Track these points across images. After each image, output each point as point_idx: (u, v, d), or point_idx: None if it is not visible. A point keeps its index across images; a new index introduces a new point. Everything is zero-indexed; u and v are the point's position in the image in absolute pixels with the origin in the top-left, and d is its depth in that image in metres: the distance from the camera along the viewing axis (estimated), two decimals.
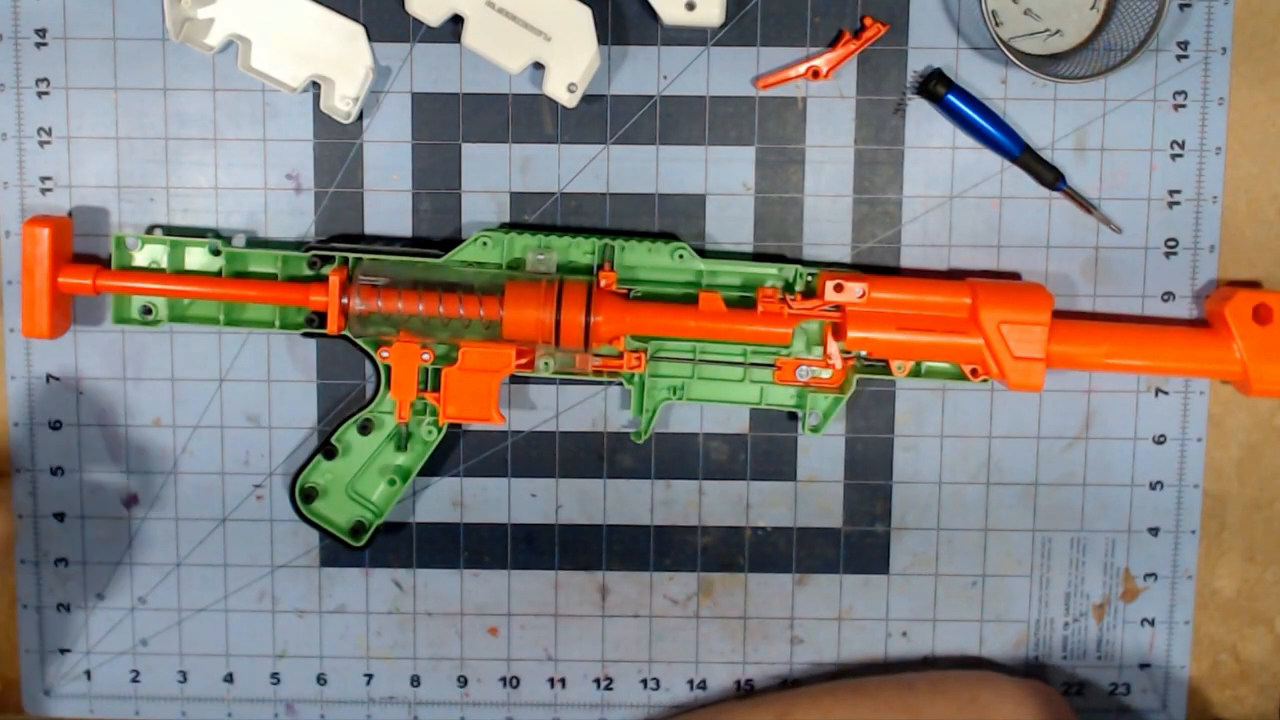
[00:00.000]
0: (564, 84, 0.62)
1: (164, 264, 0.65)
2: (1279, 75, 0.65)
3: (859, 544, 0.68)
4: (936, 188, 0.66)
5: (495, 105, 0.65)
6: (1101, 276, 0.66)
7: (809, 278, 0.64)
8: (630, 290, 0.64)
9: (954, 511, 0.68)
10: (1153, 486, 0.67)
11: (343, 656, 0.69)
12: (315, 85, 0.65)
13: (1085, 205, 0.65)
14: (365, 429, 0.65)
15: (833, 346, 0.64)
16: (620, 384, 0.66)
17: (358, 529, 0.65)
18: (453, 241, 0.65)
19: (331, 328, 0.62)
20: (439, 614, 0.68)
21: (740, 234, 0.66)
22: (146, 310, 0.65)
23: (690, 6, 0.62)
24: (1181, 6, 0.64)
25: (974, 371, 0.64)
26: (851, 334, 0.62)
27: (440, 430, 0.65)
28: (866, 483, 0.67)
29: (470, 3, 0.62)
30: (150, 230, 0.66)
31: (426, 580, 0.68)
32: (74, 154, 0.66)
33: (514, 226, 0.66)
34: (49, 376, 0.67)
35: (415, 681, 0.69)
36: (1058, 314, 0.64)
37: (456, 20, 0.62)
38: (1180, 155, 0.65)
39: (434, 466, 0.67)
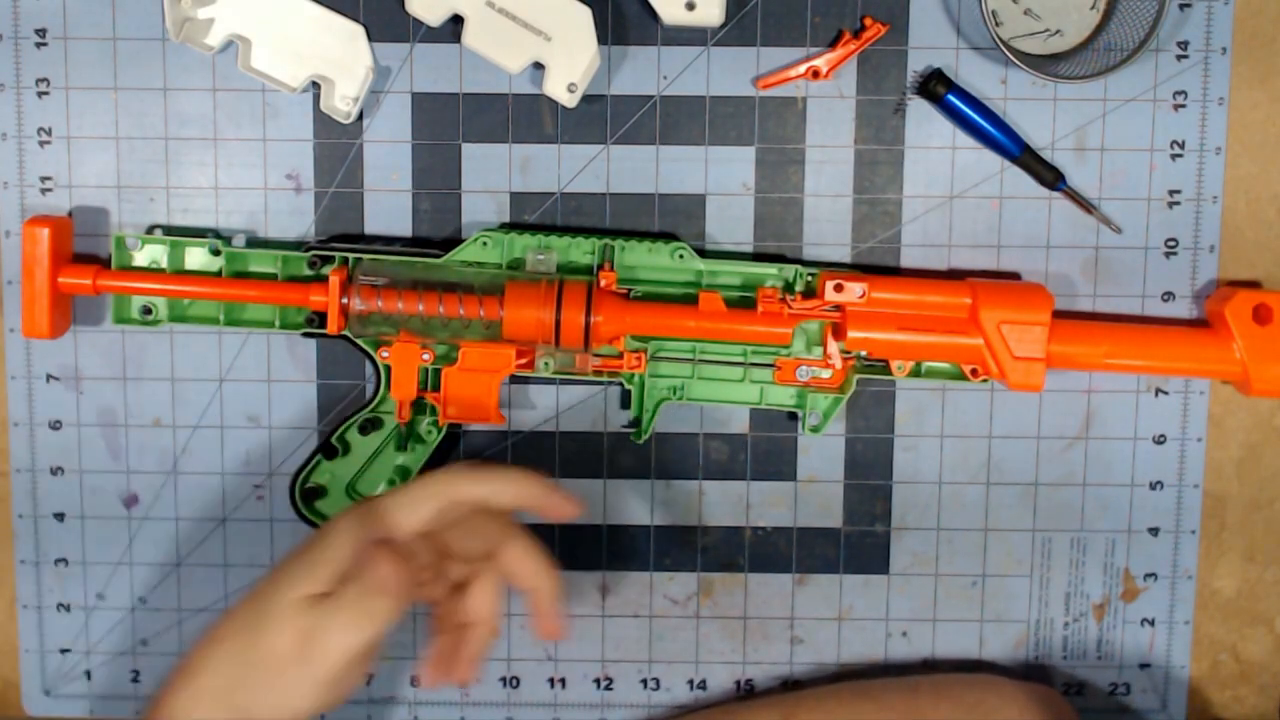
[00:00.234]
0: (564, 84, 0.62)
1: (164, 264, 0.65)
2: (1279, 75, 0.65)
3: (859, 544, 0.68)
4: (936, 188, 0.66)
5: (495, 105, 0.65)
6: (1101, 276, 0.66)
7: (809, 278, 0.64)
8: (630, 290, 0.64)
9: (954, 511, 0.68)
10: (1153, 486, 0.67)
11: None
12: (315, 85, 0.65)
13: (1085, 205, 0.65)
14: (365, 429, 0.65)
15: (833, 346, 0.64)
16: (620, 384, 0.66)
17: None
18: (453, 241, 0.65)
19: (331, 328, 0.62)
20: None
21: (740, 234, 0.66)
22: (146, 310, 0.65)
23: (690, 6, 0.62)
24: (1181, 6, 0.64)
25: (974, 371, 0.64)
26: (851, 334, 0.62)
27: (440, 430, 0.65)
28: (866, 483, 0.67)
29: (470, 3, 0.62)
30: (150, 230, 0.66)
31: None
32: (74, 154, 0.66)
33: (514, 226, 0.66)
34: (49, 376, 0.67)
35: (415, 681, 0.69)
36: (1058, 314, 0.64)
37: (456, 20, 0.62)
38: (1180, 155, 0.65)
39: (434, 466, 0.67)
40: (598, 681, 0.69)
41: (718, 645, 0.69)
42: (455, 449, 0.67)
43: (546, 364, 0.63)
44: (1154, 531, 0.68)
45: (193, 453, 0.67)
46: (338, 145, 0.66)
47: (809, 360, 0.65)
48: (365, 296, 0.62)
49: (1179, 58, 0.65)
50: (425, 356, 0.64)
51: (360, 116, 0.65)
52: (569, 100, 0.63)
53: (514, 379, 0.66)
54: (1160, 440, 0.67)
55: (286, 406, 0.67)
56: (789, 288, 0.64)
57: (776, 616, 0.68)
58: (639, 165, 0.65)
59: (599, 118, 0.65)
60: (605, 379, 0.65)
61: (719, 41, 0.65)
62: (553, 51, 0.62)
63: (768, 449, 0.67)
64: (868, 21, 0.64)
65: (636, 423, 0.65)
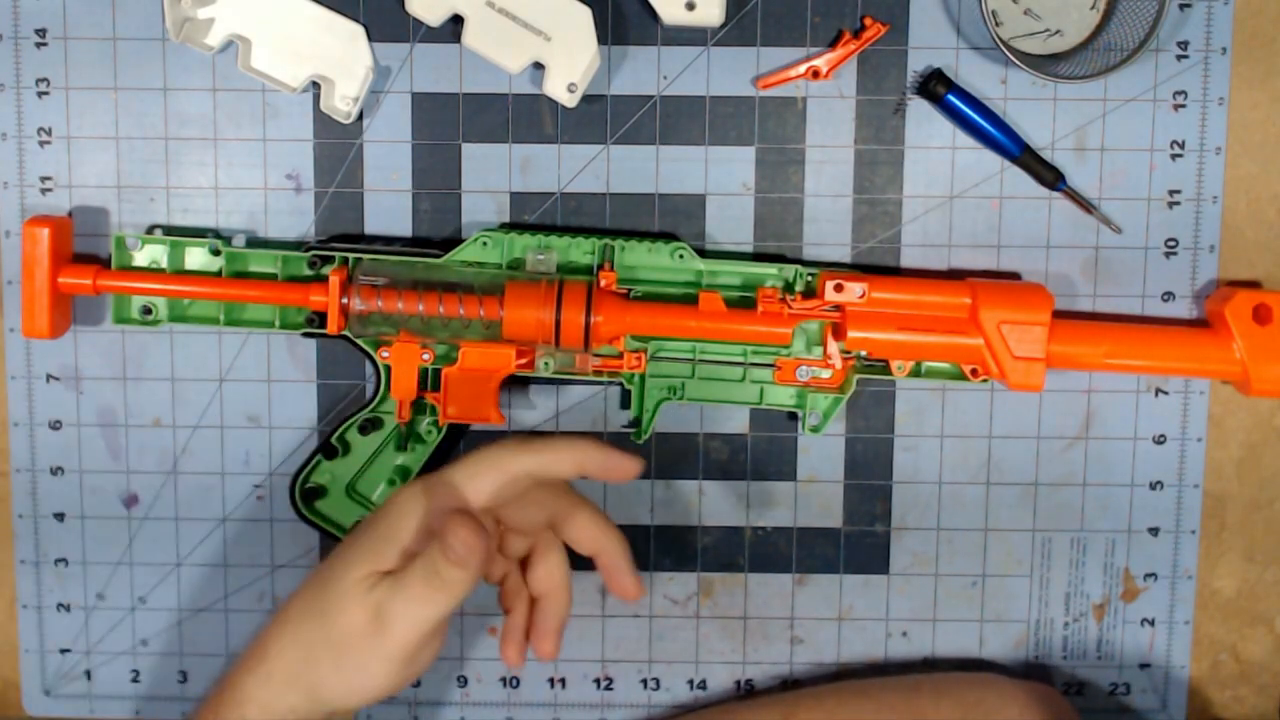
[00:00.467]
0: (564, 84, 0.62)
1: (164, 264, 0.65)
2: (1279, 75, 0.65)
3: (859, 544, 0.68)
4: (936, 188, 0.66)
5: (495, 105, 0.65)
6: (1101, 276, 0.66)
7: (809, 278, 0.64)
8: (630, 290, 0.64)
9: (954, 511, 0.68)
10: (1153, 486, 0.67)
11: None
12: (315, 85, 0.65)
13: (1085, 205, 0.65)
14: (365, 429, 0.65)
15: (833, 346, 0.64)
16: (620, 384, 0.66)
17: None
18: (453, 241, 0.65)
19: (331, 328, 0.62)
20: None
21: (740, 234, 0.66)
22: (146, 310, 0.65)
23: (690, 6, 0.62)
24: (1181, 6, 0.64)
25: (974, 371, 0.64)
26: (851, 334, 0.62)
27: (440, 430, 0.65)
28: (866, 483, 0.67)
29: (470, 3, 0.62)
30: (150, 230, 0.66)
31: None
32: (74, 154, 0.66)
33: (514, 226, 0.66)
34: (49, 376, 0.67)
35: (415, 681, 0.69)
36: (1058, 314, 0.64)
37: (456, 20, 0.62)
38: (1180, 155, 0.65)
39: (434, 466, 0.67)
40: (598, 681, 0.69)
41: (718, 645, 0.69)
42: (455, 448, 0.67)
43: (546, 364, 0.63)
44: (1154, 531, 0.68)
45: (193, 453, 0.67)
46: (338, 145, 0.66)
47: (809, 360, 0.65)
48: (365, 296, 0.62)
49: (1179, 58, 0.65)
50: (425, 356, 0.64)
51: (360, 116, 0.65)
52: (569, 100, 0.63)
53: (514, 379, 0.66)
54: (1160, 440, 0.67)
55: (286, 406, 0.67)
56: (789, 288, 0.64)
57: (776, 616, 0.68)
58: (639, 165, 0.65)
59: (599, 118, 0.65)
60: (605, 379, 0.65)
61: (719, 41, 0.65)
62: (553, 51, 0.62)
63: (768, 449, 0.67)
64: (868, 21, 0.64)
65: (636, 423, 0.65)
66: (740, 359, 0.65)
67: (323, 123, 0.65)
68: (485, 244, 0.64)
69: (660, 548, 0.68)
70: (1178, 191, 0.66)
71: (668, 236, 0.65)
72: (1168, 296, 0.66)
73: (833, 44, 0.64)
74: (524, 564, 0.58)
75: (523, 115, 0.65)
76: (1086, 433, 0.67)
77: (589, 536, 0.57)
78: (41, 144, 0.66)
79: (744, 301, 0.64)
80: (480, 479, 0.54)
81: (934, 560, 0.68)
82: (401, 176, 0.66)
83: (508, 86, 0.65)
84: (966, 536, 0.68)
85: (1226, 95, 0.65)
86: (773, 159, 0.66)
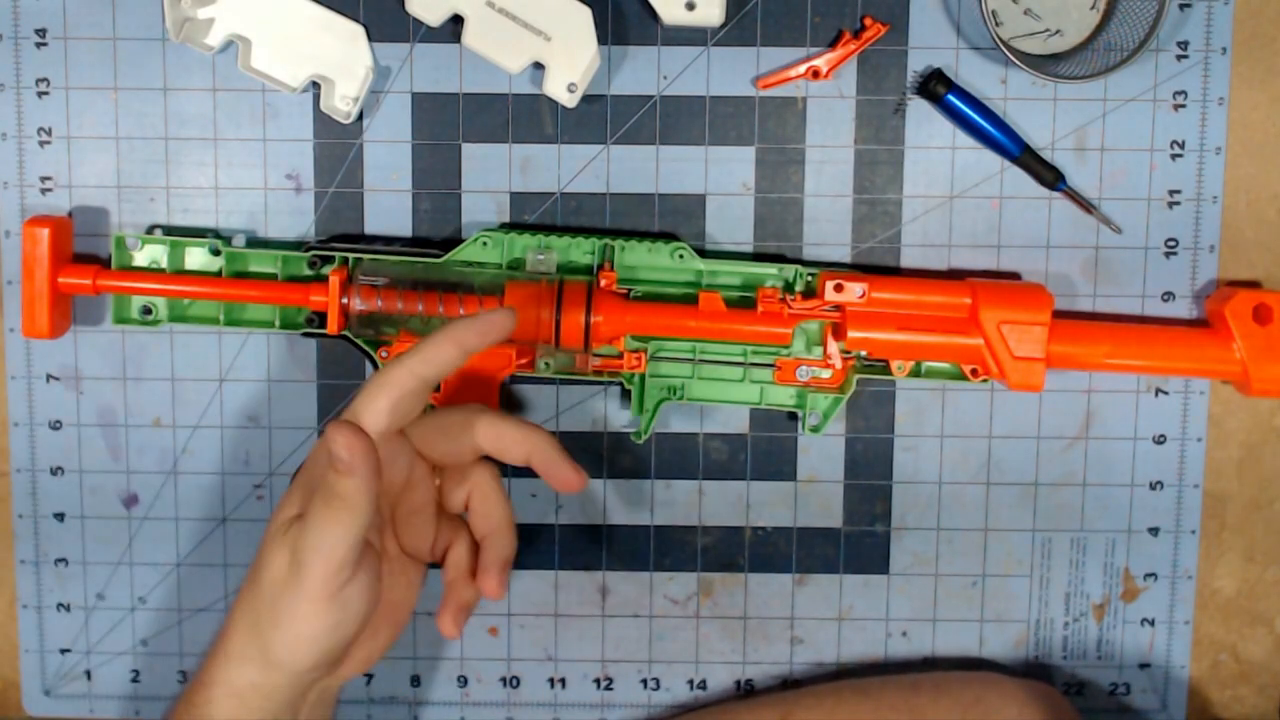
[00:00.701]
0: (564, 84, 0.62)
1: (164, 264, 0.65)
2: (1279, 75, 0.65)
3: (859, 544, 0.68)
4: (936, 188, 0.66)
5: (495, 105, 0.65)
6: (1101, 276, 0.66)
7: (809, 278, 0.64)
8: (630, 290, 0.64)
9: (954, 511, 0.68)
10: (1153, 486, 0.67)
11: None
12: (315, 85, 0.65)
13: (1085, 205, 0.65)
14: None
15: (833, 346, 0.64)
16: (620, 384, 0.66)
17: None
18: (453, 241, 0.65)
19: (331, 328, 0.62)
20: None
21: (740, 234, 0.66)
22: (146, 310, 0.65)
23: (690, 6, 0.62)
24: (1181, 6, 0.64)
25: (974, 371, 0.64)
26: (851, 334, 0.62)
27: None
28: (866, 483, 0.67)
29: (470, 3, 0.62)
30: (150, 230, 0.66)
31: (426, 580, 0.68)
32: (74, 154, 0.66)
33: (514, 226, 0.66)
34: (49, 376, 0.67)
35: (415, 681, 0.69)
36: (1058, 314, 0.64)
37: (456, 20, 0.62)
38: (1180, 155, 0.65)
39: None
40: (598, 681, 0.69)
41: (718, 645, 0.69)
42: None
43: (546, 364, 0.63)
44: (1154, 531, 0.68)
45: (193, 453, 0.67)
46: (338, 145, 0.66)
47: (809, 360, 0.65)
48: (365, 296, 0.62)
49: (1179, 58, 0.65)
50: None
51: (360, 116, 0.65)
52: (569, 100, 0.63)
53: (514, 379, 0.66)
54: (1160, 440, 0.67)
55: (286, 406, 0.67)
56: (789, 288, 0.64)
57: (776, 616, 0.68)
58: (639, 165, 0.65)
59: (599, 118, 0.65)
60: (605, 379, 0.65)
61: (719, 41, 0.65)
62: (553, 51, 0.62)
63: (768, 449, 0.67)
64: (868, 21, 0.64)
65: (636, 422, 0.65)
66: (740, 359, 0.65)
67: (323, 123, 0.65)
68: (485, 244, 0.64)
69: (660, 548, 0.68)
70: (1178, 191, 0.66)
71: (668, 236, 0.65)
72: (1168, 296, 0.66)
73: (833, 44, 0.64)
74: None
75: (523, 115, 0.65)
76: (1086, 433, 0.67)
77: (513, 440, 0.55)
78: (41, 144, 0.66)
79: (744, 301, 0.64)
80: (375, 401, 0.52)
81: (934, 560, 0.68)
82: (401, 176, 0.66)
83: (508, 86, 0.65)
84: (966, 536, 0.68)
85: (1226, 95, 0.65)
86: (773, 159, 0.66)
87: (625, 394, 0.67)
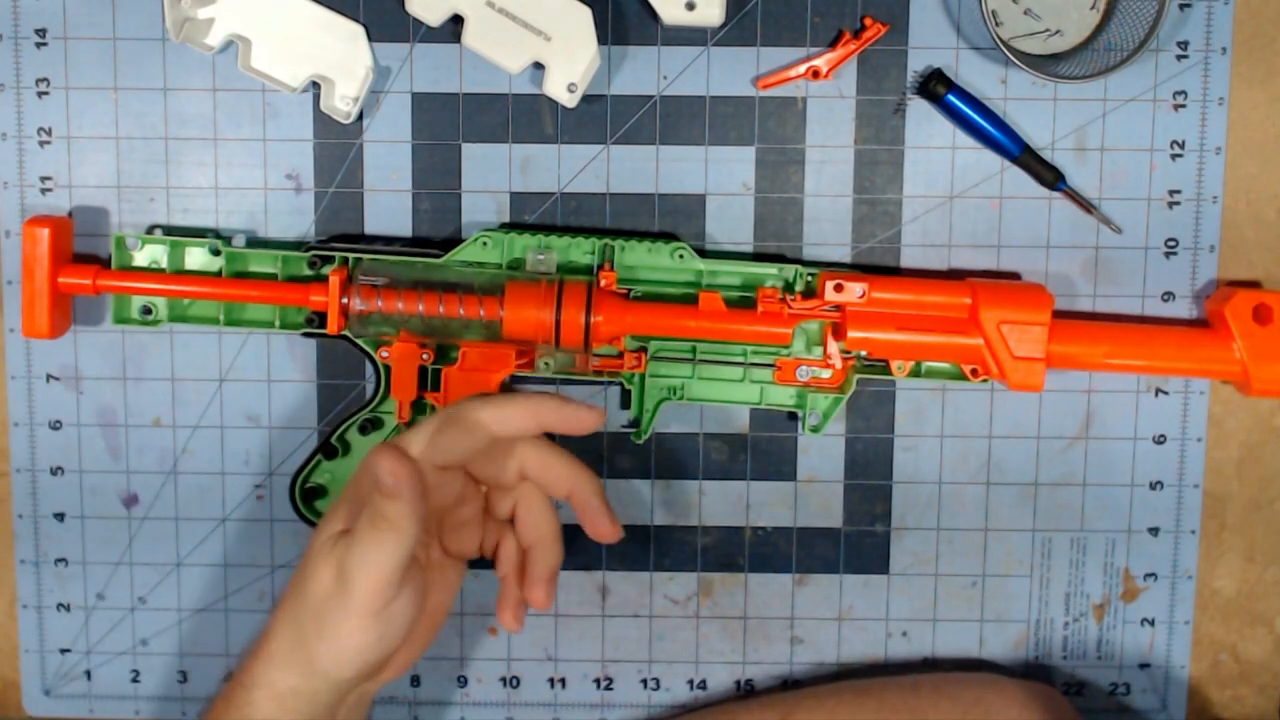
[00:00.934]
0: (564, 84, 0.62)
1: (164, 264, 0.65)
2: (1279, 75, 0.65)
3: (859, 544, 0.68)
4: (936, 188, 0.66)
5: (495, 105, 0.65)
6: (1101, 276, 0.66)
7: (809, 278, 0.64)
8: (630, 290, 0.64)
9: (954, 511, 0.68)
10: (1153, 486, 0.67)
11: None
12: (315, 85, 0.65)
13: (1085, 205, 0.65)
14: (365, 429, 0.65)
15: (833, 346, 0.64)
16: (620, 384, 0.66)
17: None
18: (453, 241, 0.65)
19: (331, 328, 0.62)
20: None
21: (740, 234, 0.66)
22: (146, 310, 0.65)
23: (690, 6, 0.62)
24: (1181, 6, 0.64)
25: (974, 371, 0.64)
26: (851, 334, 0.62)
27: None
28: (866, 483, 0.67)
29: (470, 3, 0.62)
30: (150, 230, 0.66)
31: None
32: (74, 154, 0.66)
33: (514, 226, 0.66)
34: (49, 376, 0.67)
35: (415, 681, 0.69)
36: (1058, 314, 0.64)
37: (456, 20, 0.62)
38: (1180, 155, 0.65)
39: None
40: (598, 681, 0.69)
41: (718, 645, 0.69)
42: None
43: (546, 364, 0.63)
44: (1154, 531, 0.68)
45: (193, 453, 0.67)
46: (338, 145, 0.66)
47: (809, 360, 0.65)
48: (365, 296, 0.62)
49: (1179, 58, 0.65)
50: (425, 356, 0.64)
51: (360, 116, 0.65)
52: (569, 100, 0.63)
53: (514, 379, 0.66)
54: (1160, 440, 0.67)
55: (286, 406, 0.67)
56: (789, 288, 0.64)
57: (776, 616, 0.68)
58: (639, 165, 0.65)
59: (599, 118, 0.65)
60: (605, 379, 0.65)
61: (719, 41, 0.65)
62: (553, 51, 0.62)
63: (768, 449, 0.67)
64: (868, 21, 0.64)
65: (636, 423, 0.65)
66: (740, 359, 0.65)
67: (323, 123, 0.65)
68: (485, 244, 0.64)
69: (660, 548, 0.68)
70: (1178, 191, 0.66)
71: (668, 236, 0.65)
72: (1168, 296, 0.66)
73: (833, 44, 0.64)
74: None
75: (523, 115, 0.65)
76: (1086, 433, 0.67)
77: (559, 477, 0.56)
78: (41, 144, 0.66)
79: (744, 301, 0.64)
80: (436, 435, 0.53)
81: (934, 560, 0.68)
82: (401, 176, 0.66)
83: (508, 86, 0.65)
84: (966, 536, 0.68)
85: (1226, 95, 0.65)
86: (773, 159, 0.66)
87: (625, 394, 0.67)
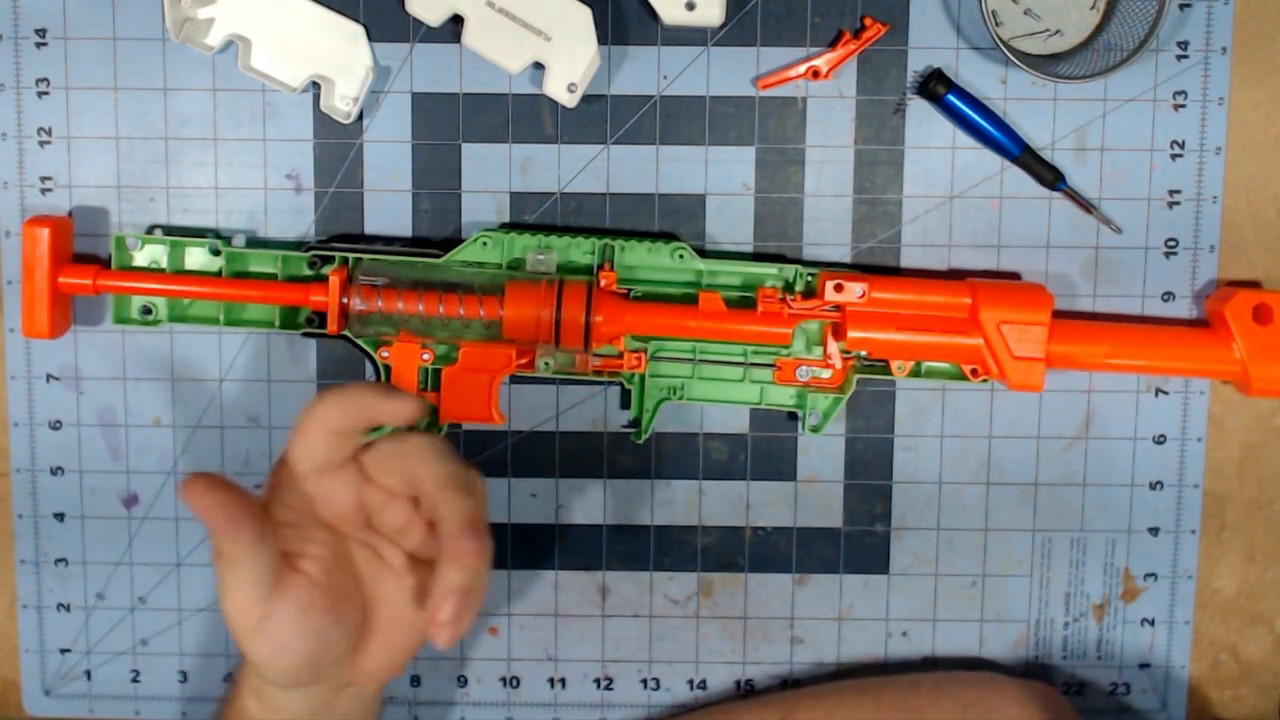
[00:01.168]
0: (564, 84, 0.62)
1: (164, 264, 0.65)
2: (1279, 75, 0.65)
3: (859, 544, 0.68)
4: (936, 188, 0.66)
5: (495, 105, 0.65)
6: (1101, 276, 0.66)
7: (809, 278, 0.64)
8: (630, 290, 0.64)
9: (954, 511, 0.68)
10: (1153, 486, 0.67)
11: None
12: (315, 85, 0.65)
13: (1085, 205, 0.65)
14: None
15: (833, 346, 0.64)
16: (620, 384, 0.66)
17: None
18: (453, 241, 0.65)
19: (331, 328, 0.62)
20: None
21: (740, 234, 0.66)
22: (146, 310, 0.65)
23: (690, 6, 0.62)
24: (1181, 6, 0.64)
25: (974, 371, 0.64)
26: (851, 334, 0.62)
27: (440, 430, 0.65)
28: (866, 483, 0.67)
29: (470, 3, 0.62)
30: (150, 230, 0.66)
31: None
32: (74, 154, 0.66)
33: (514, 226, 0.66)
34: (49, 376, 0.67)
35: (415, 681, 0.69)
36: (1058, 314, 0.64)
37: (456, 20, 0.62)
38: (1180, 155, 0.65)
39: None
40: (598, 681, 0.69)
41: (718, 645, 0.69)
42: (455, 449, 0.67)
43: (546, 364, 0.63)
44: (1154, 531, 0.68)
45: (193, 453, 0.67)
46: (338, 145, 0.66)
47: (809, 360, 0.65)
48: (365, 296, 0.62)
49: (1179, 58, 0.65)
50: (425, 356, 0.64)
51: (360, 116, 0.65)
52: (569, 100, 0.63)
53: (514, 379, 0.66)
54: (1160, 440, 0.67)
55: (286, 406, 0.67)
56: (789, 288, 0.64)
57: (776, 616, 0.68)
58: (639, 165, 0.65)
59: (599, 118, 0.65)
60: (605, 379, 0.65)
61: (719, 41, 0.65)
62: (553, 51, 0.62)
63: (768, 449, 0.67)
64: (868, 21, 0.64)
65: (636, 423, 0.65)
66: (740, 359, 0.65)
67: (323, 123, 0.65)
68: (485, 244, 0.64)
69: (660, 548, 0.68)
70: (1178, 191, 0.66)
71: (668, 236, 0.65)
72: (1168, 296, 0.66)
73: (833, 44, 0.64)
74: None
75: (523, 115, 0.65)
76: (1086, 433, 0.67)
77: (431, 490, 0.52)
78: (41, 144, 0.66)
79: (744, 301, 0.64)
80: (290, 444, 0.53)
81: (934, 560, 0.68)
82: (401, 176, 0.66)
83: (508, 86, 0.65)
84: (966, 536, 0.68)
85: (1226, 95, 0.65)
86: (773, 159, 0.66)
87: (625, 394, 0.67)
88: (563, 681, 0.69)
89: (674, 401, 0.65)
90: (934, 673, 0.68)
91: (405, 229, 0.66)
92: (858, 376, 0.64)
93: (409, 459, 0.52)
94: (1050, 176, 0.65)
